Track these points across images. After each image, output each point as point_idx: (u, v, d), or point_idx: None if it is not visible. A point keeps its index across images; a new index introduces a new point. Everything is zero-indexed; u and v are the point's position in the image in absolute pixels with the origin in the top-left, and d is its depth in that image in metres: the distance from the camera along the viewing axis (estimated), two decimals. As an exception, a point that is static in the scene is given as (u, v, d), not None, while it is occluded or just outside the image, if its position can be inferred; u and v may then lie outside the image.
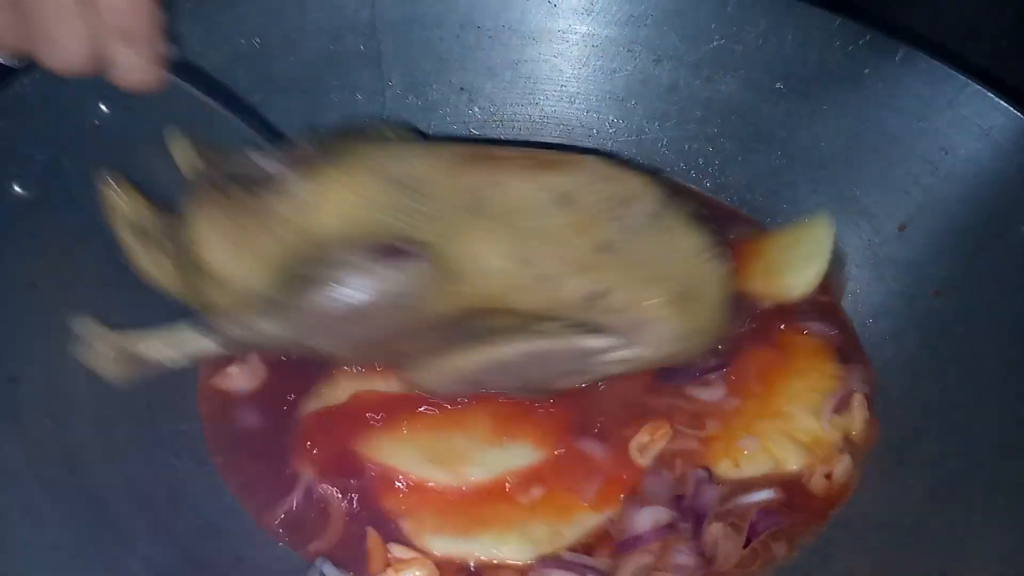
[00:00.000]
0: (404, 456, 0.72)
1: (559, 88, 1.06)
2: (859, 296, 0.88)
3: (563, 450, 0.74)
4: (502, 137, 1.06)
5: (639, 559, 0.69)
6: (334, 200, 0.67)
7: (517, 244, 0.69)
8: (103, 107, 0.79)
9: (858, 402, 0.78)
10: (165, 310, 0.78)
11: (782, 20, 0.94)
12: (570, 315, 0.71)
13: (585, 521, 0.71)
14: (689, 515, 0.71)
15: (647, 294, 0.71)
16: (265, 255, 0.66)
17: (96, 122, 0.78)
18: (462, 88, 1.05)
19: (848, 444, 0.76)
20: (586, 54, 1.04)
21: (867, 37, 0.89)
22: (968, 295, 0.78)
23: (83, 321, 0.66)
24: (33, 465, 0.55)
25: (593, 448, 0.74)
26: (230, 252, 0.66)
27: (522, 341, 0.69)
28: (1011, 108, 0.79)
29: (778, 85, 0.96)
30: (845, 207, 0.89)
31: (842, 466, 0.74)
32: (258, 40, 0.92)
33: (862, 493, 0.72)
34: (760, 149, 0.97)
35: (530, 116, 1.07)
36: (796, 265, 0.87)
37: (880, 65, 0.88)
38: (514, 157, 0.73)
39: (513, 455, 0.73)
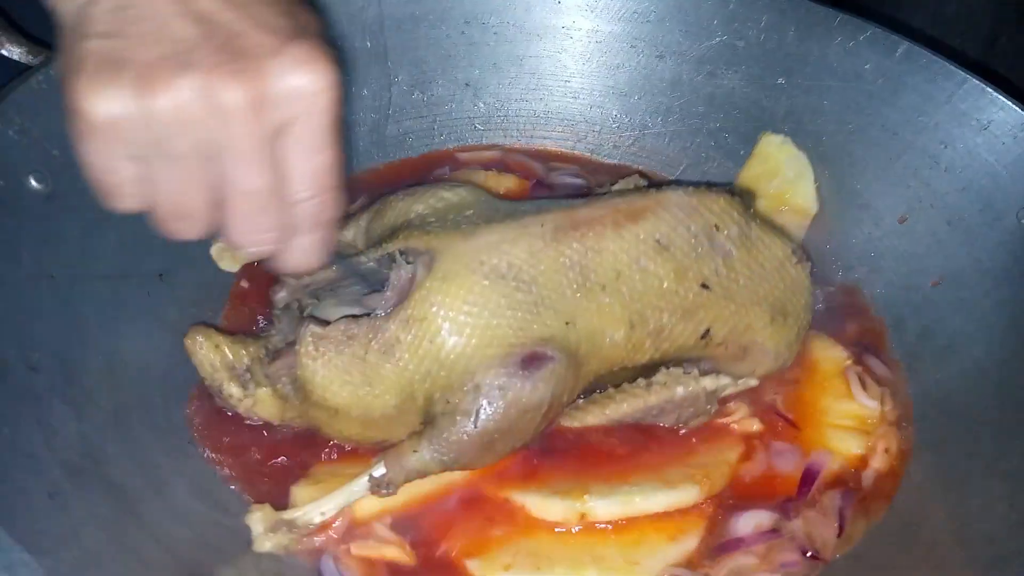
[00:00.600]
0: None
1: (563, 84, 1.07)
2: (859, 287, 0.89)
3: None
4: (507, 132, 1.07)
5: (740, 560, 0.69)
6: (449, 314, 0.65)
7: (629, 308, 0.70)
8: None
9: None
10: (176, 304, 0.80)
11: (783, 16, 0.95)
12: (685, 357, 0.74)
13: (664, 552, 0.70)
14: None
15: (750, 318, 0.74)
16: (391, 384, 0.66)
17: (109, 117, 0.79)
18: (467, 84, 1.06)
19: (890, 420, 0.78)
20: (589, 50, 1.06)
21: (867, 33, 0.90)
22: (966, 285, 0.79)
23: (256, 512, 0.66)
24: (55, 452, 0.57)
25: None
26: (350, 386, 0.65)
27: (645, 398, 0.73)
28: (1009, 102, 0.81)
29: (780, 80, 0.97)
30: (846, 200, 0.91)
31: (894, 440, 0.75)
32: (266, 37, 0.93)
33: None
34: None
35: (534, 111, 1.08)
36: (791, 188, 0.93)
37: (880, 61, 0.90)
38: (601, 216, 0.71)
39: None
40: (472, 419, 0.65)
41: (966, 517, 0.68)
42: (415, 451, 0.66)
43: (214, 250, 0.84)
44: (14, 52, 0.80)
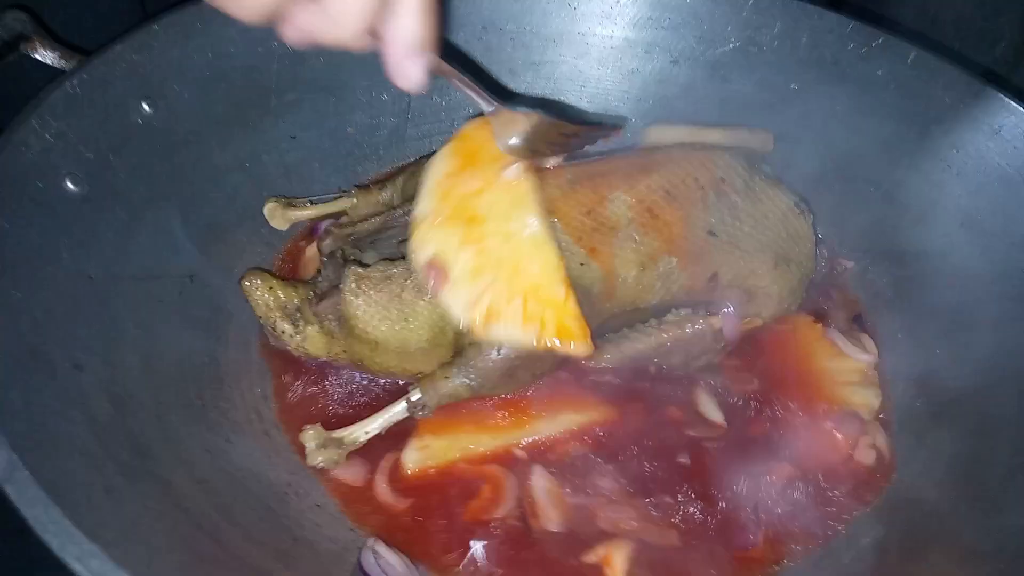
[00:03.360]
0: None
1: (579, 88, 1.09)
2: (873, 287, 0.91)
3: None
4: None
5: None
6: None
7: (639, 251, 0.75)
8: (145, 106, 0.81)
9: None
10: (207, 304, 0.82)
11: (796, 23, 0.98)
12: (694, 300, 0.79)
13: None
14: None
15: (754, 264, 0.79)
16: (424, 318, 0.72)
17: (139, 120, 0.81)
18: (485, 88, 1.07)
19: (878, 416, 0.81)
20: (605, 55, 1.07)
21: (879, 40, 0.92)
22: (981, 285, 0.81)
23: (310, 431, 0.72)
24: (106, 448, 0.58)
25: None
26: (388, 320, 0.72)
27: (657, 336, 0.78)
28: (1020, 107, 0.83)
29: (793, 86, 0.99)
30: (860, 203, 0.93)
31: (880, 435, 0.78)
32: (290, 42, 0.94)
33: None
34: (775, 147, 0.99)
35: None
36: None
37: (892, 67, 0.92)
38: (615, 168, 0.78)
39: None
40: (496, 348, 0.71)
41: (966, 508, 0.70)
42: (447, 377, 0.73)
43: (266, 209, 0.89)
44: (48, 57, 0.81)
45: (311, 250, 0.91)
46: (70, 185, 0.73)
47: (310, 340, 0.77)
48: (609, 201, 0.76)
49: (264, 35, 0.92)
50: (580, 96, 1.09)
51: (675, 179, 0.77)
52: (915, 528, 0.72)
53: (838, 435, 0.78)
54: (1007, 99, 0.84)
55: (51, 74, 0.78)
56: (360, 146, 1.02)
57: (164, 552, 0.52)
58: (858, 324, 0.88)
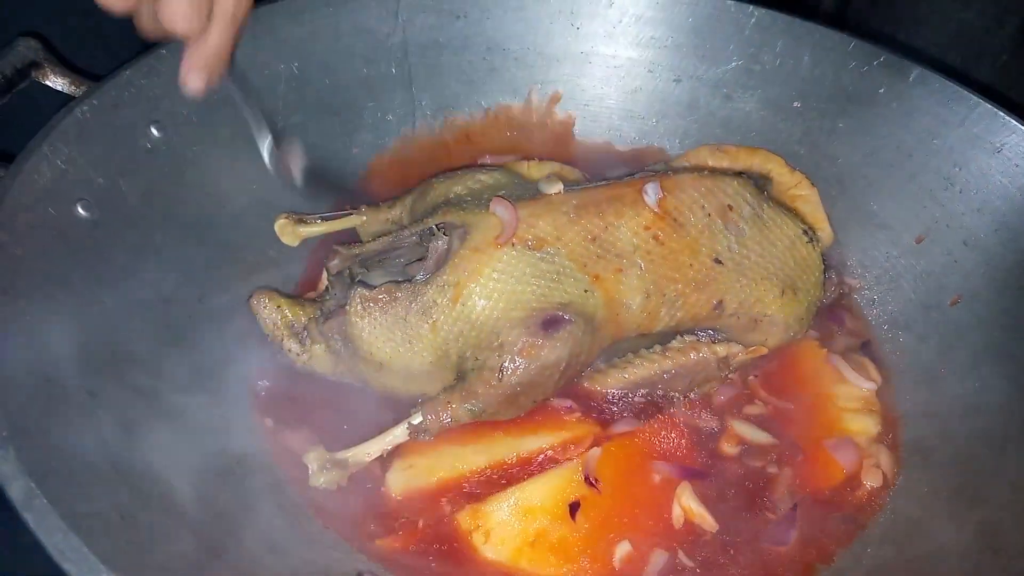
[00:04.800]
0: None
1: (582, 107, 1.10)
2: (878, 305, 0.92)
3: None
4: (528, 155, 1.09)
5: None
6: (479, 280, 0.72)
7: (644, 279, 0.76)
8: (154, 130, 0.82)
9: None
10: (218, 325, 0.82)
11: (799, 42, 0.99)
12: (699, 326, 0.80)
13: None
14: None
15: (760, 292, 0.79)
16: (428, 342, 0.73)
17: (148, 144, 0.81)
18: (488, 108, 1.08)
19: (882, 437, 0.81)
20: (608, 74, 1.08)
21: (881, 58, 0.93)
22: (984, 303, 0.82)
23: (312, 452, 0.73)
24: (119, 474, 0.58)
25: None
26: (392, 342, 0.73)
27: (660, 362, 0.79)
28: (1021, 126, 0.84)
29: (795, 104, 1.00)
30: (863, 220, 0.94)
31: (885, 456, 0.78)
32: (296, 64, 0.95)
33: (892, 498, 0.76)
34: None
35: (555, 134, 1.10)
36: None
37: (894, 85, 0.93)
38: (622, 194, 0.78)
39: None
40: (497, 374, 0.72)
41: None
42: (449, 402, 0.73)
43: (277, 226, 0.89)
44: (58, 83, 0.82)
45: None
46: (81, 211, 0.73)
47: (316, 359, 0.78)
48: (615, 228, 0.76)
49: (269, 59, 0.94)
50: (583, 115, 1.10)
51: (682, 206, 0.78)
52: (918, 550, 0.72)
53: (836, 460, 0.79)
54: (1008, 118, 0.85)
55: (62, 100, 0.79)
56: (365, 166, 1.03)
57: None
58: (866, 351, 0.88)
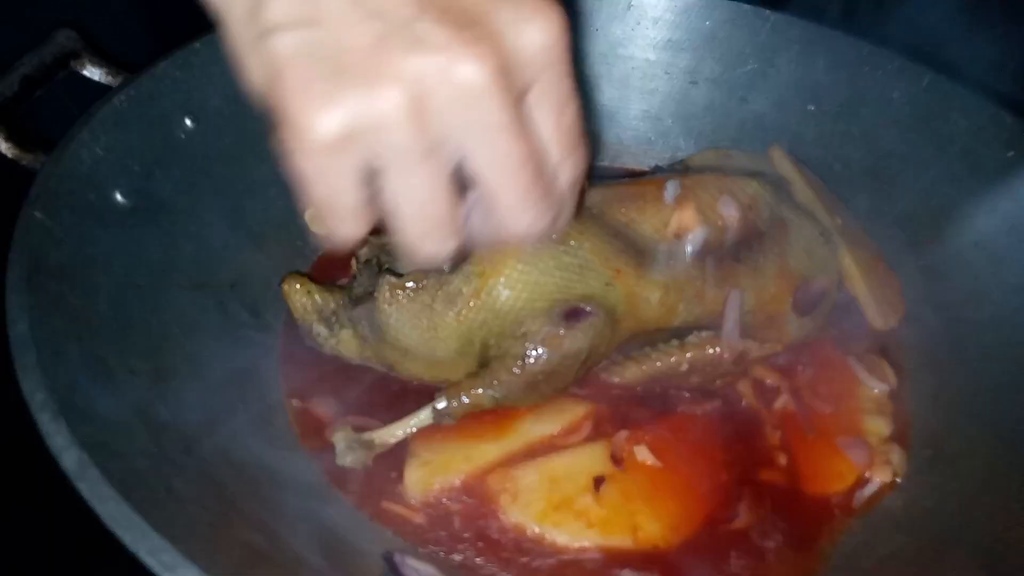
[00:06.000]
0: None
1: (600, 107, 1.12)
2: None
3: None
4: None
5: None
6: (504, 271, 0.73)
7: (663, 276, 0.77)
8: (188, 121, 0.84)
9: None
10: (247, 311, 0.84)
11: (814, 46, 1.01)
12: (715, 323, 0.80)
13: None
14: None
15: (777, 290, 0.81)
16: (453, 330, 0.74)
17: (183, 135, 0.83)
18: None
19: (894, 435, 0.83)
20: (625, 75, 1.11)
21: (895, 63, 0.96)
22: (994, 304, 0.84)
23: (339, 432, 0.74)
24: (162, 450, 0.60)
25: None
26: (418, 329, 0.74)
27: (678, 356, 0.80)
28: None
29: (810, 107, 1.03)
30: (877, 221, 0.96)
31: (897, 454, 0.80)
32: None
33: (904, 488, 0.78)
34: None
35: (572, 133, 1.12)
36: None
37: (907, 89, 0.95)
38: (644, 192, 0.80)
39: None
40: (520, 361, 0.73)
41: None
42: (471, 388, 0.74)
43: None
44: (95, 73, 0.84)
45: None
46: (119, 197, 0.75)
47: (343, 343, 0.80)
48: (637, 224, 0.78)
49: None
50: (600, 115, 1.12)
51: (703, 205, 0.79)
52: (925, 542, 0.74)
53: (848, 459, 0.80)
54: (1018, 122, 0.87)
55: (99, 90, 0.81)
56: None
57: (226, 549, 0.54)
58: (882, 351, 0.89)
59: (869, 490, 0.78)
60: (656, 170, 0.93)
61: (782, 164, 0.96)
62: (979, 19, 1.07)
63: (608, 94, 1.11)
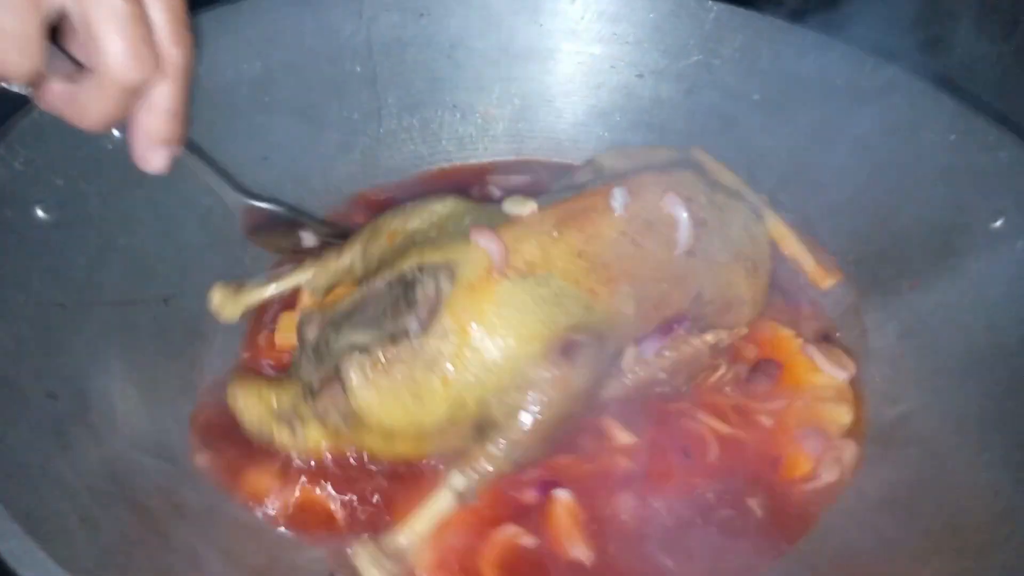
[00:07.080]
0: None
1: (547, 103, 1.11)
2: (837, 292, 0.93)
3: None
4: (495, 152, 1.10)
5: None
6: (482, 320, 0.68)
7: (633, 284, 0.74)
8: (116, 132, 0.81)
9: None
10: (182, 328, 0.82)
11: (757, 36, 1.00)
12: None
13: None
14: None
15: (731, 275, 0.80)
16: (441, 396, 0.67)
17: (110, 145, 0.81)
18: (455, 105, 1.09)
19: (850, 430, 0.81)
20: (572, 71, 1.09)
21: (837, 51, 0.95)
22: (942, 288, 0.83)
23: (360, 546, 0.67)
24: (80, 477, 0.58)
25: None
26: (402, 406, 0.67)
27: (659, 363, 0.78)
28: (975, 114, 0.85)
29: (755, 96, 1.02)
30: (820, 207, 0.95)
31: (849, 451, 0.79)
32: (259, 64, 0.95)
33: (858, 476, 0.77)
34: (740, 155, 1.01)
35: (520, 131, 1.11)
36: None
37: (851, 76, 0.94)
38: (592, 203, 0.75)
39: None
40: (531, 413, 0.68)
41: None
42: (486, 455, 0.68)
43: (214, 303, 0.83)
44: (14, 84, 0.81)
45: (287, 318, 0.84)
46: (40, 213, 0.73)
47: (312, 441, 0.71)
48: (595, 238, 0.73)
49: (232, 59, 0.93)
50: (549, 111, 1.11)
51: (650, 205, 0.77)
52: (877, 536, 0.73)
53: (804, 451, 0.79)
54: (960, 104, 0.86)
55: (19, 101, 0.78)
56: (333, 166, 1.03)
57: (143, 578, 0.52)
58: (832, 339, 0.89)
59: (816, 485, 0.77)
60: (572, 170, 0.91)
61: (697, 155, 0.95)
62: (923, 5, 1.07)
63: (555, 89, 1.10)
